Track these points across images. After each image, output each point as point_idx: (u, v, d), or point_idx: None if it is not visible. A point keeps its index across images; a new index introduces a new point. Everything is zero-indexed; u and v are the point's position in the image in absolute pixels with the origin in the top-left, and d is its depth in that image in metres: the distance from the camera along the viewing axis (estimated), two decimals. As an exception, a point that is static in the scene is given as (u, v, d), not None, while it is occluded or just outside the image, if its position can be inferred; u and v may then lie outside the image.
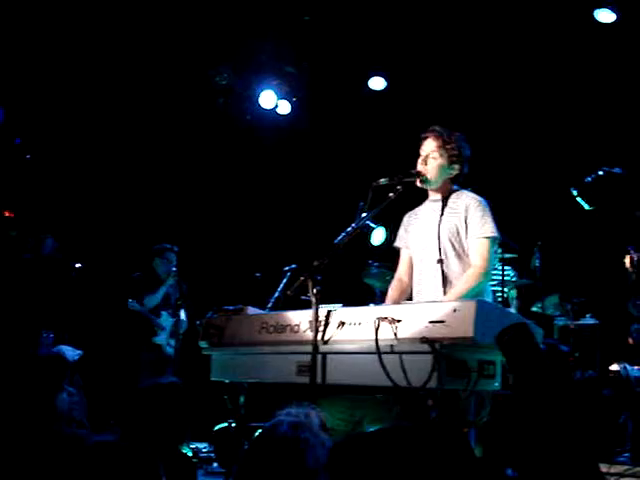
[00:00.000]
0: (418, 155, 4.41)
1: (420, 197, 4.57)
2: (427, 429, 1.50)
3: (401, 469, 1.44)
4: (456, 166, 4.37)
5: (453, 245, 4.25)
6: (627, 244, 5.92)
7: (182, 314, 7.80)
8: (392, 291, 4.55)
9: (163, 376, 7.24)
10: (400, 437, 1.51)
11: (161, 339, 7.68)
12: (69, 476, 1.89)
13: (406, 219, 4.62)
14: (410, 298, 4.46)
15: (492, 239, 4.23)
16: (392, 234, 4.71)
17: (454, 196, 4.37)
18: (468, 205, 4.26)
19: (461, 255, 4.25)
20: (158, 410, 3.32)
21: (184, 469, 3.37)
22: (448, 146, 4.33)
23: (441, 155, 4.34)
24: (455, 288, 4.13)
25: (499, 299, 6.64)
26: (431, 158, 4.34)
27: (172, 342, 7.69)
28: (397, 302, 4.44)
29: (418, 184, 4.37)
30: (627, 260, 5.82)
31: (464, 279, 4.15)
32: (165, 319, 7.70)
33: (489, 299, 4.27)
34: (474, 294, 4.01)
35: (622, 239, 6.08)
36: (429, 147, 4.37)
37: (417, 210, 4.58)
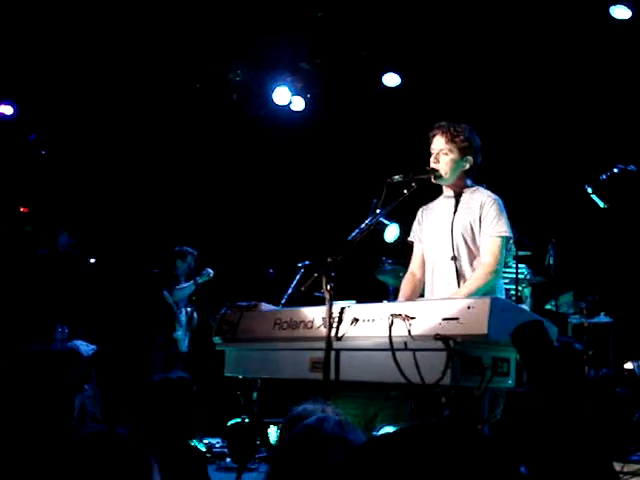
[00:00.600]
0: (430, 153, 4.40)
1: (434, 193, 4.57)
2: (450, 427, 1.49)
3: (427, 471, 1.42)
4: (469, 157, 4.34)
5: (467, 243, 4.24)
6: None
7: (195, 313, 7.99)
8: (404, 285, 4.55)
9: (174, 371, 7.32)
10: (423, 436, 1.49)
11: (179, 334, 7.84)
12: (55, 467, 1.90)
13: (420, 213, 4.60)
14: (422, 294, 4.46)
15: (504, 238, 4.22)
16: (406, 231, 4.71)
17: (469, 192, 4.36)
18: (483, 203, 4.24)
19: (474, 253, 4.24)
20: (167, 405, 3.34)
21: (194, 463, 3.38)
22: (457, 139, 4.30)
23: (451, 150, 4.31)
24: (465, 286, 4.12)
25: (513, 297, 6.62)
26: (442, 154, 4.32)
27: (187, 338, 7.88)
28: (409, 296, 4.44)
29: (433, 181, 4.36)
30: None
31: (474, 277, 4.14)
32: (183, 315, 7.85)
33: (502, 297, 4.26)
34: (484, 292, 4.00)
35: (636, 237, 6.05)
36: (438, 144, 4.35)
37: (432, 205, 4.56)
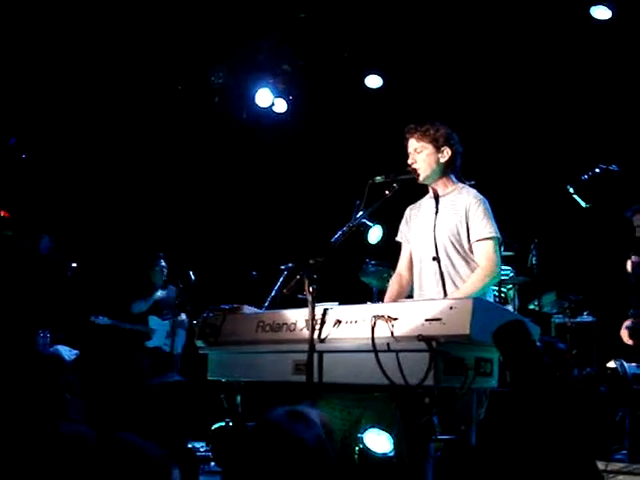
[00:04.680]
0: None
1: (419, 194, 4.56)
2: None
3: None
4: (444, 148, 4.32)
5: (453, 243, 4.20)
6: (626, 244, 5.89)
7: (182, 315, 7.98)
8: (391, 286, 4.54)
9: (169, 374, 7.32)
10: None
11: (154, 342, 7.94)
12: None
13: (407, 212, 4.58)
14: (411, 294, 4.45)
15: (495, 239, 4.20)
16: (389, 232, 4.70)
17: (455, 192, 4.32)
18: (469, 205, 4.20)
19: (461, 253, 4.20)
20: (165, 407, 3.32)
21: (189, 465, 3.37)
22: (427, 134, 4.31)
23: (424, 146, 4.31)
24: (462, 290, 4.07)
25: (496, 298, 6.63)
26: (417, 153, 4.32)
27: (168, 342, 7.93)
28: (396, 297, 4.42)
29: (420, 180, 4.33)
30: (629, 264, 5.77)
31: (471, 280, 4.09)
32: (155, 323, 7.87)
33: (489, 298, 4.25)
34: (480, 295, 3.97)
35: (619, 237, 6.07)
36: (412, 145, 4.36)
37: (419, 203, 4.54)
